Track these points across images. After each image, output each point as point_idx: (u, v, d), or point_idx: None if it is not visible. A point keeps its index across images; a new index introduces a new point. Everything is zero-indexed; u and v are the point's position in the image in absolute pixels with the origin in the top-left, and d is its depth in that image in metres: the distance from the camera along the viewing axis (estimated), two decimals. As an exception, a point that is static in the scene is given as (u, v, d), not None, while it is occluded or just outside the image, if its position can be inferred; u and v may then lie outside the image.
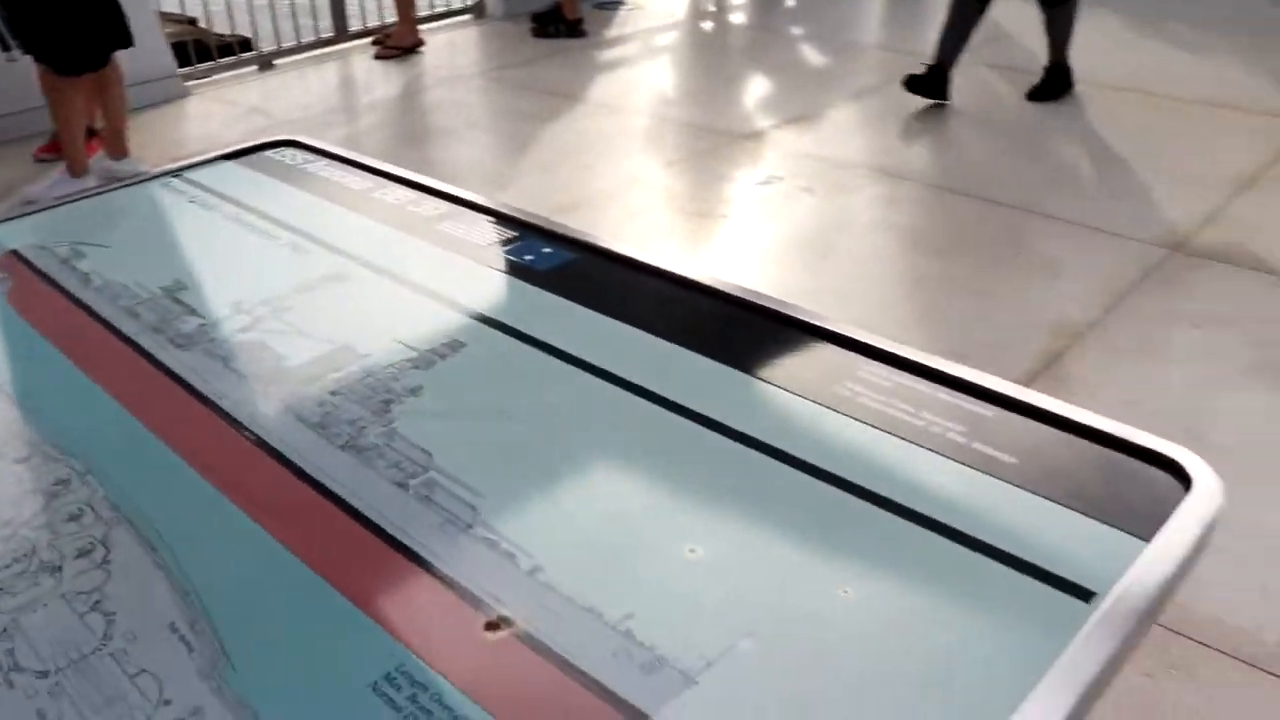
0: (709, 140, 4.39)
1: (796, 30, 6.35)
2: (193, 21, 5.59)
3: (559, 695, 0.65)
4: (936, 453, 0.86)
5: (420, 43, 5.68)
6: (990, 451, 0.87)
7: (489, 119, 4.80)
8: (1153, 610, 0.73)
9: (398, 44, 5.60)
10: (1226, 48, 5.57)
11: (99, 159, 3.95)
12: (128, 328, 1.08)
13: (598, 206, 3.81)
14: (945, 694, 0.65)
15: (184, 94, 4.95)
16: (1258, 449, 2.50)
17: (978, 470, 0.84)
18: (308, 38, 5.68)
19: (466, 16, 6.40)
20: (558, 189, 3.93)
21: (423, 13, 6.02)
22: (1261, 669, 1.93)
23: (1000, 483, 0.83)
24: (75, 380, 1.00)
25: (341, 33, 5.83)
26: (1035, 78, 4.79)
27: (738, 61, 5.82)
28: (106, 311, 1.11)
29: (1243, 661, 1.95)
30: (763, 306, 1.08)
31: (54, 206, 1.40)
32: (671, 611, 0.71)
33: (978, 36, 4.55)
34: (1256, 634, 2.00)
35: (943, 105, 4.60)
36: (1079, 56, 4.82)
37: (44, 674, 0.67)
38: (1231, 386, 2.73)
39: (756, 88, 5.28)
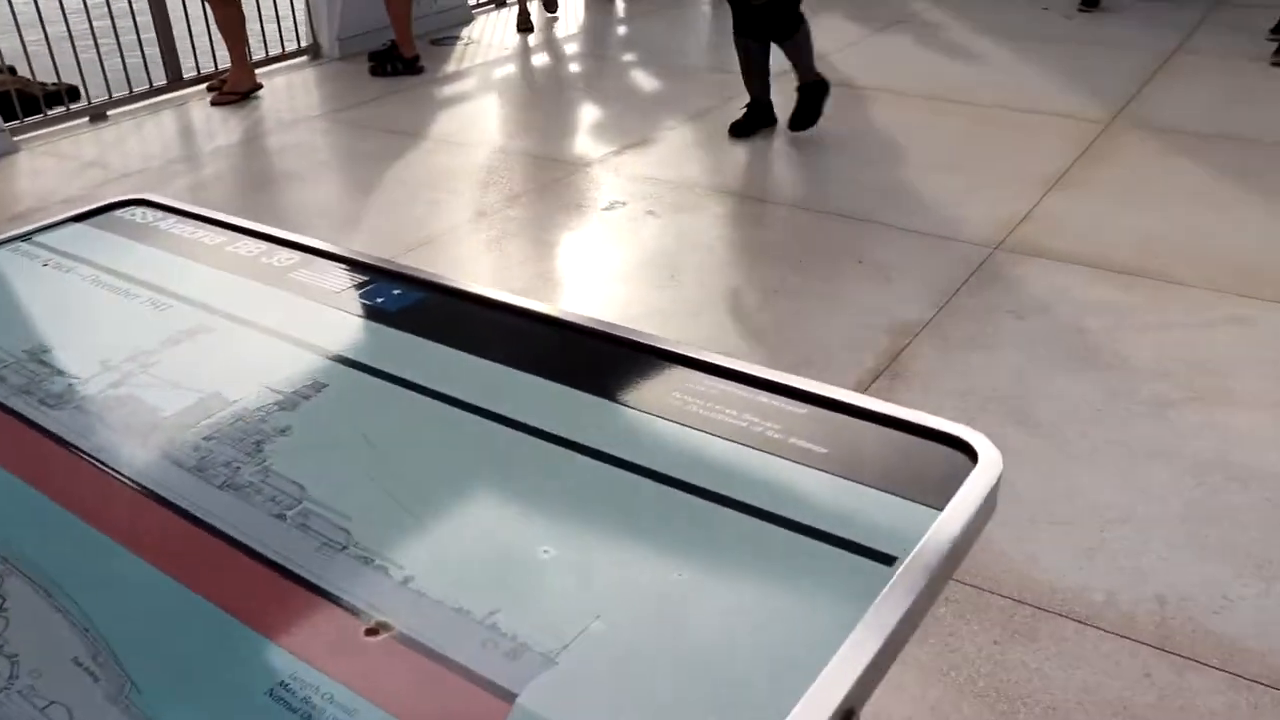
0: (552, 170, 4.51)
1: (629, 56, 6.54)
2: (13, 70, 5.44)
3: (435, 684, 0.74)
4: (756, 449, 0.98)
5: (257, 86, 5.66)
6: (804, 444, 0.99)
7: (334, 160, 4.83)
8: (947, 567, 0.86)
9: (234, 89, 5.56)
10: (1032, 58, 5.97)
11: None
12: (-3, 393, 1.12)
13: (449, 242, 3.88)
14: (771, 650, 0.76)
15: (12, 149, 4.83)
16: (1077, 425, 2.73)
17: (793, 461, 0.97)
18: (140, 86, 5.59)
19: (302, 58, 6.38)
20: (408, 227, 3.98)
21: (257, 55, 5.98)
22: (1090, 625, 2.13)
23: (813, 471, 0.96)
24: (-50, 448, 1.04)
25: (175, 80, 5.76)
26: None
27: (575, 90, 5.96)
28: (-28, 380, 1.15)
29: (1075, 620, 2.14)
30: (600, 331, 1.19)
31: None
32: (531, 604, 0.81)
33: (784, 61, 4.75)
34: (1084, 594, 2.20)
35: (772, 126, 4.81)
36: (900, 73, 5.11)
37: (-45, 715, 0.73)
38: (1052, 370, 2.97)
39: (595, 115, 5.43)
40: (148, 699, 0.73)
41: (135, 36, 5.57)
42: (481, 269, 3.67)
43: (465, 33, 6.90)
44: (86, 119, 5.33)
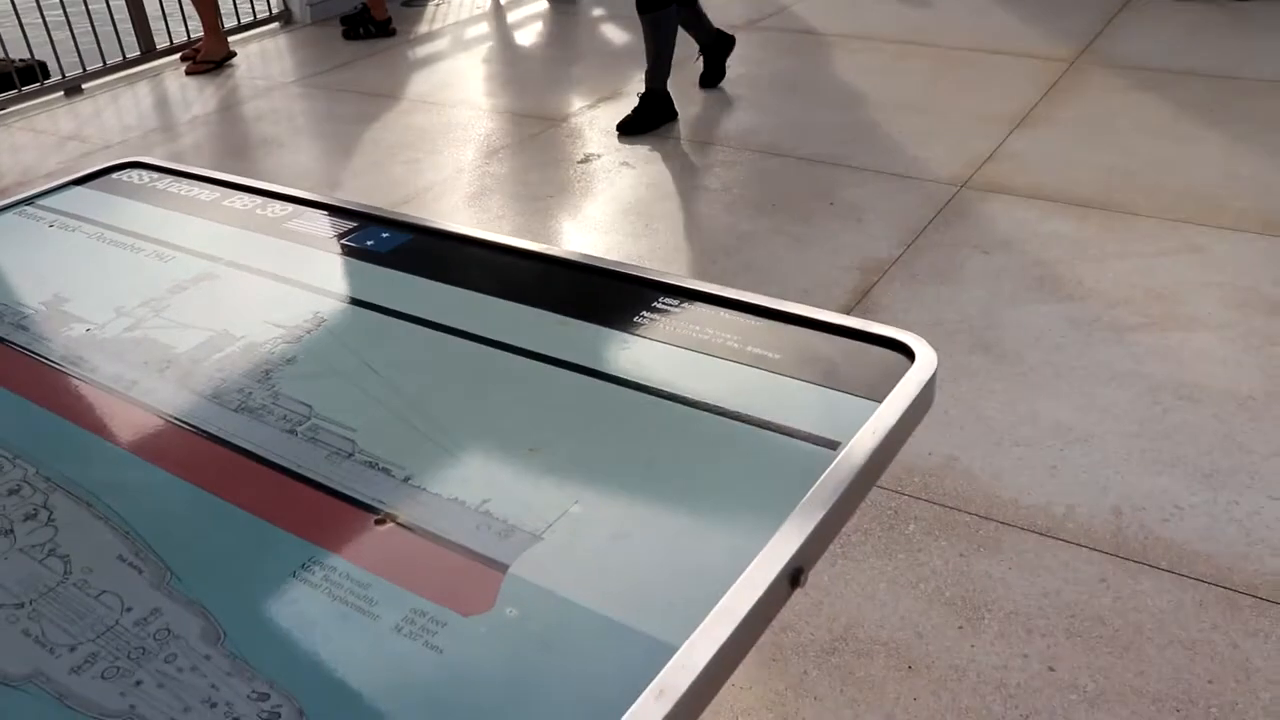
0: (527, 127, 4.59)
1: (599, 11, 6.58)
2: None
3: (437, 561, 0.85)
4: (717, 357, 1.09)
5: (231, 54, 5.70)
6: (759, 351, 1.10)
7: (312, 125, 4.89)
8: (886, 450, 0.97)
9: (208, 58, 5.60)
10: (996, 1, 6.05)
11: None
12: (20, 339, 1.22)
13: (430, 198, 3.96)
14: (728, 523, 0.87)
15: (-11, 126, 4.88)
16: (1039, 352, 2.85)
17: (749, 366, 1.08)
18: (113, 58, 5.62)
19: (274, 24, 6.41)
20: (390, 186, 4.06)
21: (228, 23, 6.01)
22: (1052, 536, 2.26)
23: (766, 373, 1.07)
24: (-16, 387, 1.14)
25: (149, 51, 5.79)
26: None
27: (547, 47, 6.02)
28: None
29: (1037, 533, 2.27)
30: (577, 262, 1.29)
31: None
32: (518, 494, 0.92)
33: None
34: (1047, 508, 2.33)
35: (720, 86, 4.83)
36: (864, 19, 5.18)
37: (20, 605, 0.84)
38: (1016, 301, 3.08)
39: (568, 72, 5.49)
40: (187, 584, 0.84)
41: (106, 6, 5.59)
42: (462, 223, 3.75)
43: (436, -7, 6.92)
44: (61, 93, 5.37)
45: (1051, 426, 2.59)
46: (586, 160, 4.17)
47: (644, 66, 4.36)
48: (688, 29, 4.50)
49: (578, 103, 4.83)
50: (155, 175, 1.69)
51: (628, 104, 4.78)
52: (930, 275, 3.24)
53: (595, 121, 4.58)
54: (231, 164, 4.41)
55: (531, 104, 4.89)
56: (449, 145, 4.45)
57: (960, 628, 2.04)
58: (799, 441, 0.97)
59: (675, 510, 0.89)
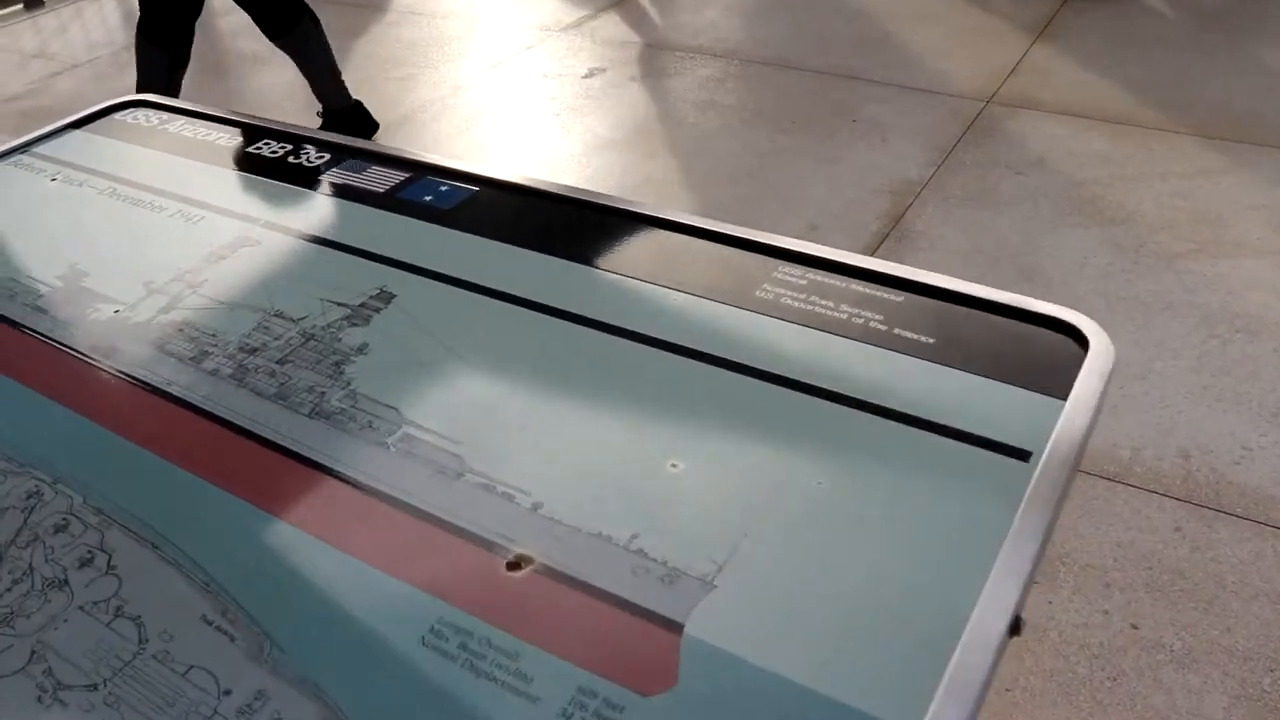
0: (525, 38, 4.34)
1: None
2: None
3: (593, 619, 0.70)
4: (864, 342, 0.94)
5: (202, -38, 5.35)
6: (910, 335, 0.95)
7: (293, 38, 4.61)
8: (1078, 460, 0.83)
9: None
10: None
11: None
12: (39, 324, 1.05)
13: (427, 119, 3.74)
14: (928, 560, 0.73)
15: (-52, 45, 4.57)
16: (1087, 281, 2.71)
17: (902, 353, 0.93)
18: (76, -32, 5.28)
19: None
20: (385, 104, 3.83)
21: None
22: (1120, 482, 2.15)
23: (924, 363, 0.92)
24: (8, 390, 0.97)
25: (112, -41, 5.45)
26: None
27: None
28: (10, 311, 1.08)
29: (1105, 478, 2.16)
30: (676, 221, 1.13)
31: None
32: (672, 525, 0.77)
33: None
34: (1113, 452, 2.22)
35: None
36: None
37: (93, 687, 0.69)
38: (1056, 226, 2.94)
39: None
40: (293, 656, 0.69)
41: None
42: (465, 146, 3.54)
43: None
44: (20, 6, 5.05)
45: (1104, 360, 2.46)
46: (591, 75, 3.94)
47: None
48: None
49: (577, 11, 4.57)
50: (162, 115, 1.50)
51: (633, 11, 4.53)
52: (964, 198, 3.08)
53: (598, 31, 4.34)
54: (213, 83, 4.15)
55: (528, 13, 4.62)
56: (443, 59, 4.20)
57: (1036, 582, 1.93)
58: (982, 450, 0.83)
59: (862, 541, 0.75)
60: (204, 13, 4.81)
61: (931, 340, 0.94)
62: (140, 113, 1.50)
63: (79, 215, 1.25)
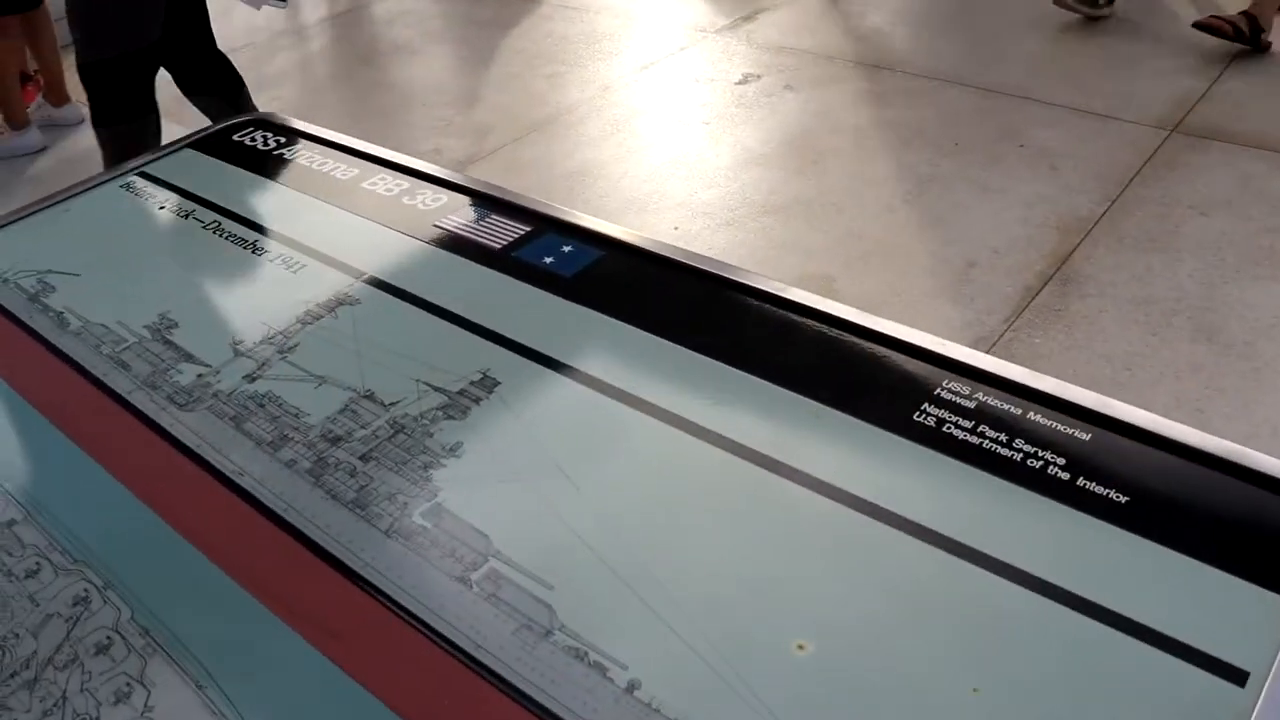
0: (678, 38, 4.21)
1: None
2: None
3: None
4: (1041, 493, 0.78)
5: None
6: (1098, 490, 0.78)
7: (445, 30, 4.59)
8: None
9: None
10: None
11: (38, 107, 3.74)
12: (119, 384, 0.97)
13: (572, 120, 3.65)
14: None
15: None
16: (1276, 344, 2.45)
17: (1087, 514, 0.76)
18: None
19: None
20: (530, 103, 3.76)
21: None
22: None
23: (1114, 530, 0.75)
24: (73, 459, 0.90)
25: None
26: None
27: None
28: (92, 364, 1.00)
29: None
30: (839, 318, 0.98)
31: (7, 224, 1.27)
32: (794, 730, 0.63)
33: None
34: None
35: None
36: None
37: None
38: (1242, 276, 2.66)
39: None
40: None
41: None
42: (608, 152, 3.43)
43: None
44: None
45: (1293, 437, 2.21)
46: (745, 81, 3.79)
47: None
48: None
49: (734, 12, 4.41)
50: (282, 137, 1.41)
51: (790, 14, 4.35)
52: (1139, 240, 2.83)
53: (754, 34, 4.17)
54: (360, 71, 4.14)
55: (683, 12, 4.49)
56: (593, 58, 4.10)
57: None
58: (1181, 662, 0.66)
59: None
60: (362, 2, 4.82)
61: (1124, 499, 0.77)
62: (259, 133, 1.43)
63: (180, 251, 1.18)
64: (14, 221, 1.28)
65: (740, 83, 3.78)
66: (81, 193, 1.33)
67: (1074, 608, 0.69)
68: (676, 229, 2.99)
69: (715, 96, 3.73)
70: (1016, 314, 2.57)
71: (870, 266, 2.79)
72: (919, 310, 2.60)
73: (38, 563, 0.80)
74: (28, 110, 3.62)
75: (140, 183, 1.32)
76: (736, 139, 3.46)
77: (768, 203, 3.08)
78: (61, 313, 1.08)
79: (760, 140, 3.45)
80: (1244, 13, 3.64)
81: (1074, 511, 0.76)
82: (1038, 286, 2.65)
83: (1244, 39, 3.60)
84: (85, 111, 3.88)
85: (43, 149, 3.62)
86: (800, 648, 0.68)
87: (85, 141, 3.82)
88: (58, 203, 1.31)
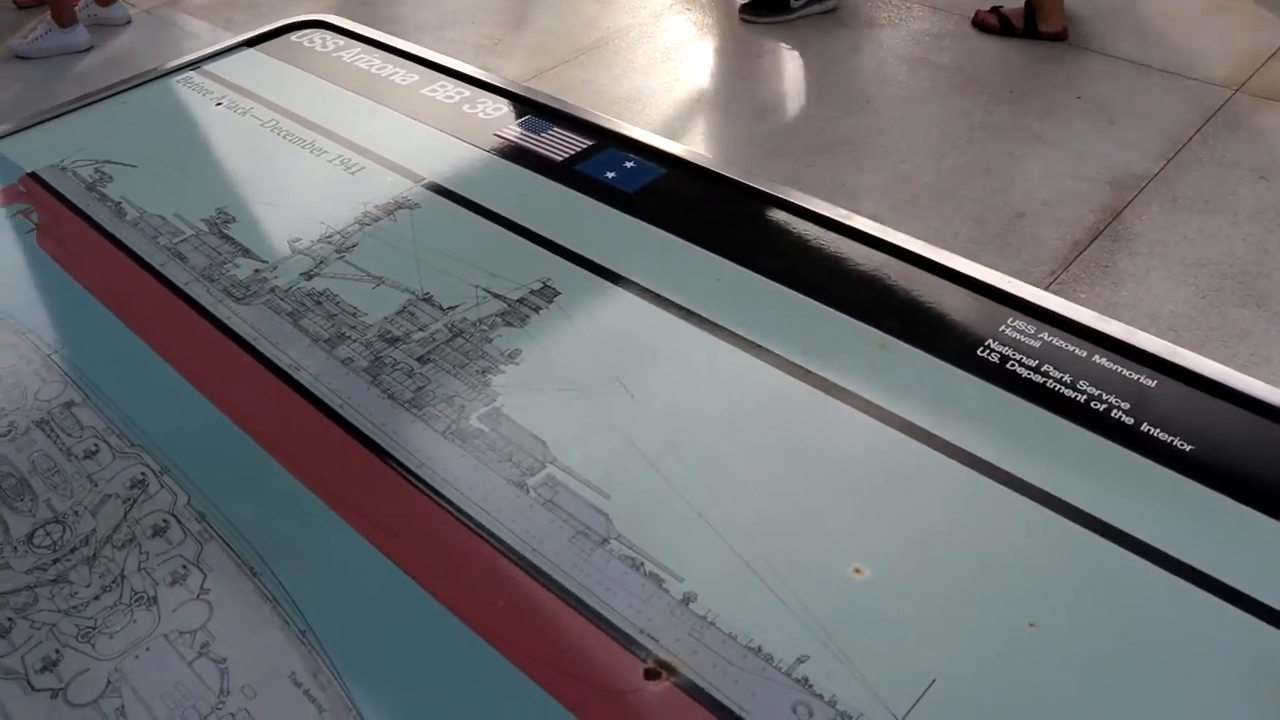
0: (734, -33, 4.12)
1: None
2: None
3: (739, 768, 0.57)
4: (1104, 436, 0.76)
5: None
6: (1161, 436, 0.77)
7: (497, -54, 4.51)
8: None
9: None
10: None
11: (84, 5, 3.72)
12: (176, 275, 0.97)
13: (622, 46, 3.60)
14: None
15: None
16: (1328, 313, 2.40)
17: (1151, 460, 0.75)
18: None
19: None
20: (580, 27, 3.71)
21: None
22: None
23: (1177, 478, 0.74)
24: (132, 347, 0.90)
25: None
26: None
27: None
28: (149, 253, 1.00)
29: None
30: (903, 248, 0.96)
31: (65, 113, 1.26)
32: (848, 650, 0.63)
33: None
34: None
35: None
36: None
37: (159, 743, 0.60)
38: (1299, 243, 2.61)
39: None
40: (383, 751, 0.59)
41: None
42: (657, 80, 3.38)
43: None
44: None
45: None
46: (798, 15, 3.71)
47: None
48: None
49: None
50: (340, 40, 1.40)
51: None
52: (1194, 200, 2.77)
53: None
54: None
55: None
56: (644, -17, 4.03)
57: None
58: (1240, 611, 0.65)
59: (1086, 703, 0.60)
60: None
61: (1188, 448, 0.76)
62: (317, 34, 1.41)
63: (237, 147, 1.17)
64: (70, 111, 1.27)
65: (793, 16, 3.71)
66: (138, 86, 1.32)
67: (1133, 550, 0.69)
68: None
69: (767, 29, 3.66)
70: (1063, 267, 2.53)
71: (919, 210, 2.75)
72: (965, 258, 2.56)
73: (96, 444, 0.80)
74: (75, 8, 3.61)
75: (198, 79, 1.31)
76: (787, 74, 3.40)
77: (816, 140, 3.04)
78: (119, 202, 1.08)
79: (811, 77, 3.39)
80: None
81: (1136, 456, 0.75)
82: (1086, 241, 2.61)
83: (1015, 31, 3.48)
84: (131, 11, 3.85)
85: (89, 49, 3.61)
86: (857, 571, 0.68)
87: (131, 42, 3.80)
88: (115, 94, 1.31)
